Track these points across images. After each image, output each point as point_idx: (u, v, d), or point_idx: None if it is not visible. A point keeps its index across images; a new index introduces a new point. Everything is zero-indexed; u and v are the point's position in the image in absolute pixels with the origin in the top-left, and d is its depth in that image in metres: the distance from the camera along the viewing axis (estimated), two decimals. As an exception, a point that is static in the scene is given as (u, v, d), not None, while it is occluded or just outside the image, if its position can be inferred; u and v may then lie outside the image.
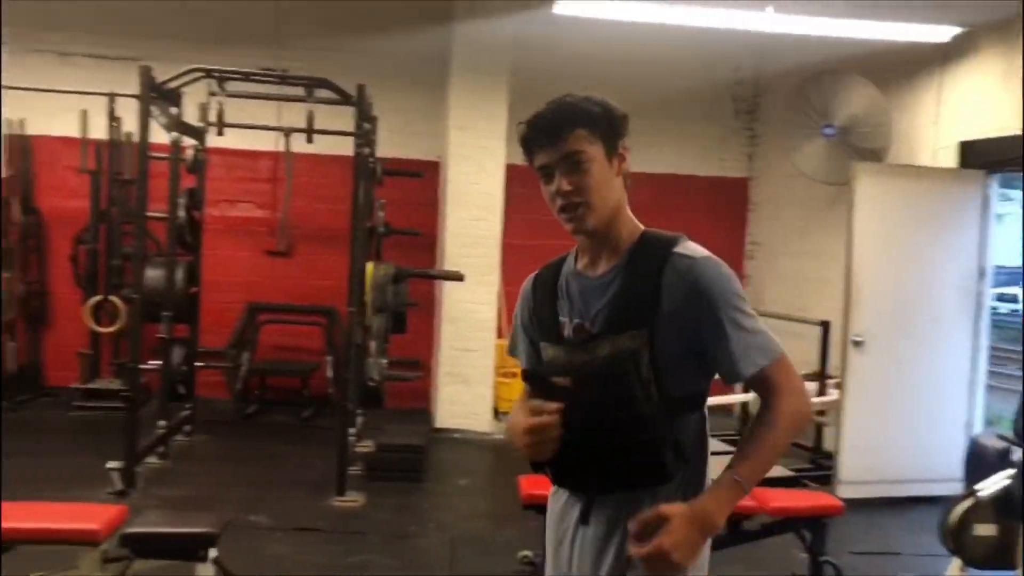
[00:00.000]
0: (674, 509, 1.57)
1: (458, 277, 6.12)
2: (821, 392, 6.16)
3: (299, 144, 6.54)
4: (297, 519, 4.85)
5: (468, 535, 4.86)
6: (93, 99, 6.87)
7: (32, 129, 7.33)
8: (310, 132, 5.66)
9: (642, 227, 1.77)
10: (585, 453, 1.69)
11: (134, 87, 6.11)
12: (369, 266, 5.86)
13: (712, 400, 1.81)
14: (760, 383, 1.68)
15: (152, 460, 5.60)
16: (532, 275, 1.91)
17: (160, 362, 5.81)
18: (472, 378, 7.05)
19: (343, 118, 5.89)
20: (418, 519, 5.08)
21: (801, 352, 6.03)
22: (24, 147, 7.32)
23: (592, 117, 1.67)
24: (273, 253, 7.70)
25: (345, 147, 6.75)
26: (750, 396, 6.57)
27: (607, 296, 1.71)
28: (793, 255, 7.69)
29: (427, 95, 7.74)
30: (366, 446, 5.95)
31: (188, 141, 6.09)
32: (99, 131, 7.01)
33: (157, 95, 5.26)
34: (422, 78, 7.74)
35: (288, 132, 6.40)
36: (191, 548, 3.36)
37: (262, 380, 7.44)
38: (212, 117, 5.94)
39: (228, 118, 5.99)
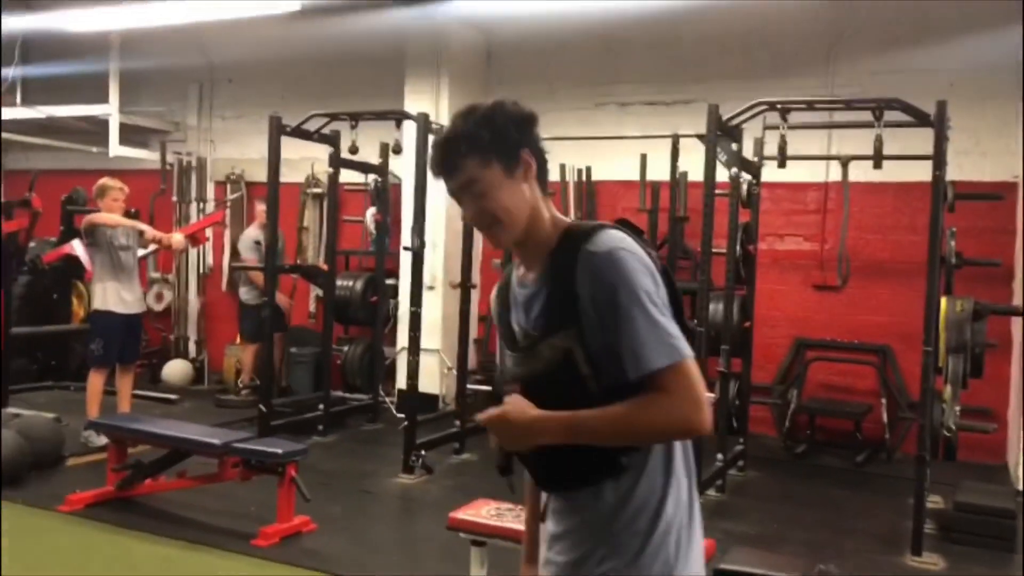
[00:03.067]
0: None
1: (1059, 314, 5.20)
2: None
3: (855, 173, 6.23)
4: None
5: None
6: (645, 143, 7.39)
7: (596, 175, 8.05)
8: (878, 159, 5.27)
9: (565, 223, 1.73)
10: (542, 454, 1.68)
11: (689, 128, 6.44)
12: (943, 301, 5.28)
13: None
14: (650, 386, 1.56)
15: (711, 492, 5.67)
16: (495, 286, 1.92)
17: (717, 395, 5.87)
18: (1071, 437, 5.95)
19: (903, 142, 5.48)
20: (1018, 597, 4.37)
21: None
22: (590, 191, 8.08)
23: (478, 143, 1.65)
24: (821, 287, 7.42)
25: (903, 173, 6.27)
26: None
27: (540, 302, 1.71)
28: None
29: (998, 108, 6.89)
30: (935, 502, 5.38)
31: (743, 176, 6.13)
32: (652, 173, 7.47)
33: (721, 133, 5.35)
34: (992, 91, 6.90)
35: (846, 161, 6.08)
36: (785, 593, 3.26)
37: (810, 419, 7.16)
38: (770, 151, 5.88)
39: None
